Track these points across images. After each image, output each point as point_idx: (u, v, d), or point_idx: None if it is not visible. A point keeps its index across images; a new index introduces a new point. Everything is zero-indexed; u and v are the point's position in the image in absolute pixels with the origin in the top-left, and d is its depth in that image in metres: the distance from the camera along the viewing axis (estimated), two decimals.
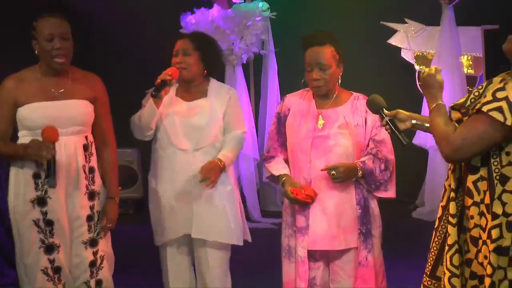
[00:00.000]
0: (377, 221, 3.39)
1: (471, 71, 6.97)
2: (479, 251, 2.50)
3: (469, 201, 2.52)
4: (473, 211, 2.50)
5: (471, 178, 2.51)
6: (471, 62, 6.97)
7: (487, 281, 2.43)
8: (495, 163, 2.44)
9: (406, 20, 7.16)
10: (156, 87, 3.50)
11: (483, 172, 2.48)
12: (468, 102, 2.46)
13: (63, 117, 3.19)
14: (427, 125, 2.87)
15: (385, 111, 3.00)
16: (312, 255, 3.35)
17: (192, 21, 6.96)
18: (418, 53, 7.21)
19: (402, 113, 2.95)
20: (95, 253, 3.29)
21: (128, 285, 4.70)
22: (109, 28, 7.43)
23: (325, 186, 3.31)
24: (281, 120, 3.48)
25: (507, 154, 2.43)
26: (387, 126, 2.95)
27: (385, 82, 6.74)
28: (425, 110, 6.71)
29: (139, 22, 7.48)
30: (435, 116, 2.55)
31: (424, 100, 6.81)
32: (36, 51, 3.23)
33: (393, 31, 7.19)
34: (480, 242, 2.49)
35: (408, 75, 7.25)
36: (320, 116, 3.36)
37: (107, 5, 7.32)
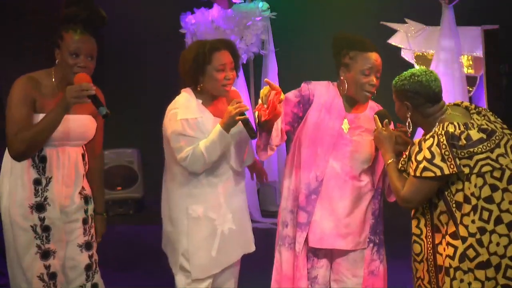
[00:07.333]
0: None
1: (471, 71, 6.97)
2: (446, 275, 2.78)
3: (439, 237, 2.80)
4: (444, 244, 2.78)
5: (435, 215, 2.82)
6: (471, 62, 6.97)
7: None
8: (448, 194, 2.79)
9: (406, 20, 7.16)
10: (245, 121, 3.19)
11: (441, 206, 2.81)
12: (400, 165, 2.93)
13: (72, 132, 3.17)
14: None
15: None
16: (316, 254, 3.36)
17: (192, 21, 6.97)
18: (418, 53, 7.21)
19: (401, 137, 3.12)
20: (90, 257, 3.29)
21: (128, 285, 4.71)
22: (107, 28, 7.42)
23: (336, 186, 3.30)
24: (303, 100, 3.31)
25: (452, 183, 2.78)
26: None
27: (385, 82, 6.74)
28: None
29: (139, 22, 7.48)
30: (390, 172, 2.97)
31: None
32: (56, 60, 3.12)
33: (393, 31, 7.19)
34: (452, 270, 2.75)
35: None
36: (345, 120, 3.32)
37: (106, 5, 7.33)
